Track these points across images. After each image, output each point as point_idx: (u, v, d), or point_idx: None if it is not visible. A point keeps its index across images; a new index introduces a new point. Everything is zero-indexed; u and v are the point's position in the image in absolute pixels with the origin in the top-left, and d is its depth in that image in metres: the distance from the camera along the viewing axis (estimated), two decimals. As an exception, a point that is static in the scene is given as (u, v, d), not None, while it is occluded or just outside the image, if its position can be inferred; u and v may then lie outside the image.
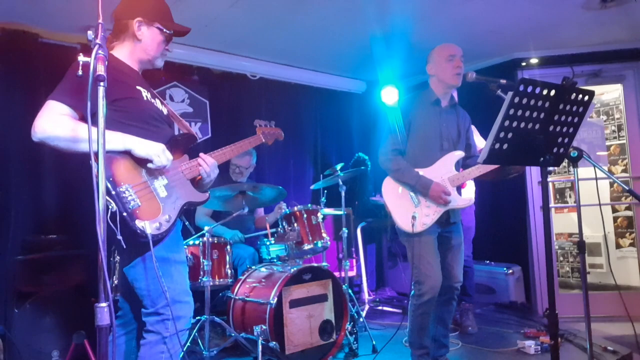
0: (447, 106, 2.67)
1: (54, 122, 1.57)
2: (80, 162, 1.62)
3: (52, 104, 1.60)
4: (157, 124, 1.83)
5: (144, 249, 1.66)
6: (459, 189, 2.61)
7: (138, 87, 1.81)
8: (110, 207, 1.54)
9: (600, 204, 2.46)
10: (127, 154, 1.67)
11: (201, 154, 1.96)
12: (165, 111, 1.95)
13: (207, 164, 1.91)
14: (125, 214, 1.56)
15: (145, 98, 1.82)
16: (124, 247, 1.56)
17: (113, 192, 1.56)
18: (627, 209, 4.46)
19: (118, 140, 1.65)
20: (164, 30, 1.87)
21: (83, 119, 1.61)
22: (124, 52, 1.85)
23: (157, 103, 1.92)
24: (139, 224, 1.59)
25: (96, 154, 1.54)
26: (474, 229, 3.88)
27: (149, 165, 1.69)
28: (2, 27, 3.38)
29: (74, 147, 1.59)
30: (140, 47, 1.85)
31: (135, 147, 1.67)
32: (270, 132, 2.40)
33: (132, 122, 1.72)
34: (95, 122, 1.58)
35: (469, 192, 3.73)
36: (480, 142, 3.21)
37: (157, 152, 1.69)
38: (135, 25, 1.81)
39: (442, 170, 2.56)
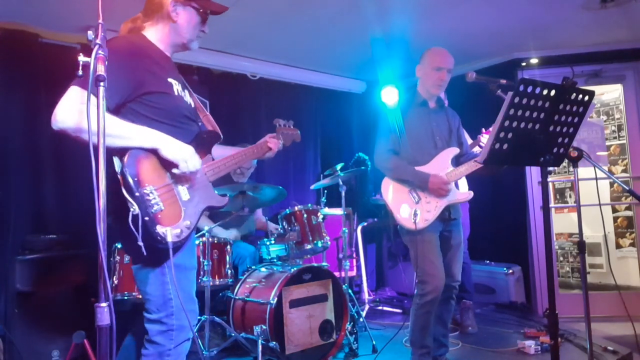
0: (435, 107, 2.72)
1: (79, 112, 1.39)
2: (87, 159, 1.54)
3: (77, 90, 1.42)
4: (186, 121, 1.71)
5: (161, 254, 1.53)
6: (456, 184, 2.63)
7: (170, 80, 1.68)
8: (132, 209, 1.42)
9: (600, 204, 2.46)
10: (154, 152, 1.54)
11: (270, 143, 2.06)
12: (193, 104, 1.82)
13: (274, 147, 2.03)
14: (147, 218, 1.44)
15: (176, 92, 1.70)
16: (145, 254, 1.43)
17: (137, 194, 1.44)
18: (627, 209, 4.46)
19: (147, 136, 1.52)
20: (201, 10, 1.75)
21: (111, 110, 1.48)
22: (157, 35, 1.72)
23: (187, 95, 1.79)
24: (160, 229, 1.47)
25: (114, 149, 1.45)
26: (468, 226, 3.89)
27: (174, 170, 1.56)
28: (2, 27, 3.38)
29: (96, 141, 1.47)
30: (175, 29, 1.72)
31: (164, 147, 1.53)
32: (289, 132, 2.27)
33: (160, 119, 1.61)
34: (119, 116, 1.48)
35: (462, 188, 3.74)
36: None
37: (185, 156, 1.56)
38: (170, 5, 1.68)
39: (438, 167, 2.58)
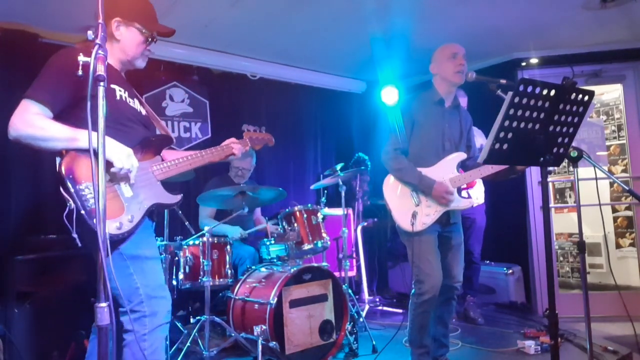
0: (451, 106, 2.67)
1: (26, 122, 1.58)
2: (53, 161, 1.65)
3: (26, 103, 1.61)
4: (130, 124, 1.80)
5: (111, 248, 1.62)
6: (459, 190, 2.61)
7: (112, 86, 1.77)
8: (68, 204, 1.53)
9: (600, 204, 2.46)
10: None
11: (233, 145, 2.13)
12: (143, 112, 1.93)
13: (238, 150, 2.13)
14: (83, 211, 1.54)
15: (118, 97, 1.79)
16: (79, 245, 1.54)
17: (72, 190, 1.55)
18: (627, 209, 4.46)
19: (81, 137, 1.62)
20: (144, 30, 1.84)
21: (57, 117, 1.63)
22: None
23: (135, 103, 1.89)
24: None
25: (56, 152, 1.59)
26: (483, 227, 3.92)
27: (112, 169, 1.65)
28: (2, 27, 3.38)
29: (44, 146, 1.59)
30: (118, 47, 1.83)
31: None
32: (258, 137, 2.38)
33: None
34: (61, 121, 1.61)
35: (478, 192, 3.75)
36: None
37: (119, 156, 1.64)
38: (113, 25, 1.79)
39: (443, 171, 2.56)
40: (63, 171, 1.57)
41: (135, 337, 1.69)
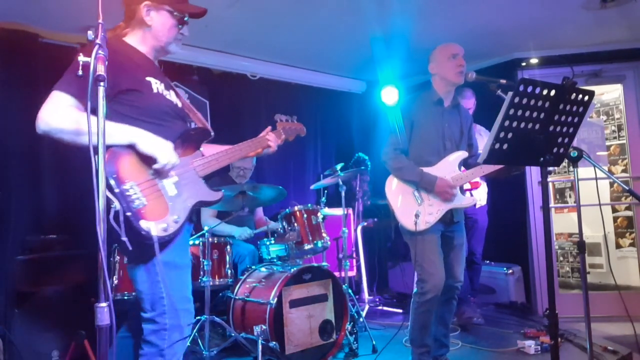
0: (450, 106, 2.67)
1: (58, 114, 1.48)
2: (84, 159, 1.52)
3: (57, 94, 1.51)
4: (168, 118, 1.73)
5: (149, 250, 1.52)
6: (461, 188, 2.61)
7: (148, 79, 1.70)
8: (113, 206, 1.42)
9: (600, 204, 2.46)
10: (132, 148, 1.56)
11: (268, 136, 2.02)
12: (179, 104, 1.84)
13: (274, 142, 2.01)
14: (129, 213, 1.45)
15: (155, 90, 1.71)
16: (130, 248, 1.44)
17: (116, 190, 1.45)
18: (627, 209, 4.46)
19: (122, 133, 1.54)
20: (175, 12, 1.76)
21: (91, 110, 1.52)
22: (135, 39, 1.75)
23: (171, 95, 1.81)
24: (144, 224, 1.47)
25: (96, 148, 1.45)
26: (485, 228, 3.92)
27: (154, 166, 1.57)
28: (2, 27, 3.38)
29: (78, 140, 1.50)
30: (150, 33, 1.74)
31: (140, 141, 1.55)
32: (291, 127, 2.24)
33: (138, 116, 1.62)
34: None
35: (481, 193, 3.75)
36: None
37: (162, 150, 1.57)
38: (143, 10, 1.71)
39: (445, 170, 2.56)
40: (106, 170, 1.45)
41: (152, 351, 1.60)
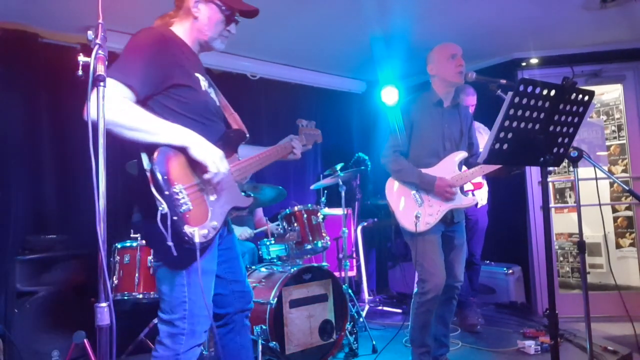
0: (449, 106, 2.67)
1: (112, 105, 1.36)
2: (132, 154, 1.49)
3: (112, 84, 1.39)
4: (213, 118, 1.68)
5: (187, 255, 1.47)
6: (462, 188, 2.61)
7: (197, 75, 1.66)
8: (160, 208, 1.38)
9: (600, 204, 2.46)
10: (182, 150, 1.49)
11: (294, 142, 2.00)
12: (218, 102, 1.79)
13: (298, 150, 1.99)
14: (175, 217, 1.40)
15: (203, 88, 1.67)
16: (175, 254, 1.40)
17: (166, 192, 1.40)
18: (627, 209, 4.46)
19: (175, 133, 1.47)
20: (223, 7, 1.70)
21: (139, 100, 1.47)
22: (182, 31, 1.69)
23: (213, 93, 1.76)
24: (187, 229, 1.42)
25: (141, 145, 1.42)
26: (485, 229, 3.92)
27: (205, 176, 1.51)
28: (2, 27, 3.38)
29: (128, 135, 1.42)
30: (196, 25, 1.68)
31: (193, 147, 1.49)
32: (311, 133, 2.19)
33: (187, 114, 1.57)
34: (145, 108, 1.44)
35: (482, 194, 3.75)
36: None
37: (214, 158, 1.51)
38: (191, 1, 1.66)
39: (445, 170, 2.56)
40: (157, 170, 1.41)
41: (167, 354, 1.56)
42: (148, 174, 1.43)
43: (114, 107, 1.37)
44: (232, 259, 1.83)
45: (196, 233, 1.44)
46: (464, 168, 2.62)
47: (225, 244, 1.80)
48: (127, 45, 1.52)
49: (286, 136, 2.12)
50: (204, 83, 1.69)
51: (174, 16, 1.72)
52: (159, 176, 1.40)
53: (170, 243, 1.38)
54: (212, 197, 1.57)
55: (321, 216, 3.39)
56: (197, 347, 1.62)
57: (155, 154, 1.43)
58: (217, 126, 1.70)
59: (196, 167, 1.53)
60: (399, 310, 4.38)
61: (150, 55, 1.49)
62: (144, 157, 1.45)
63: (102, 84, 1.28)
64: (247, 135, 1.83)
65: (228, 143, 1.69)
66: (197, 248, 1.43)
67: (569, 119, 1.75)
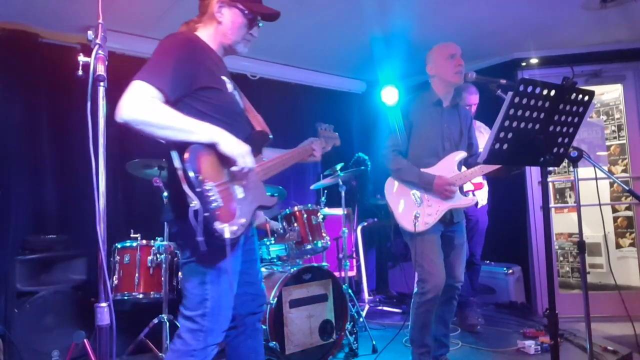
0: (449, 106, 2.67)
1: (143, 105, 1.42)
2: (163, 153, 1.55)
3: (142, 85, 1.44)
4: (239, 119, 1.73)
5: (216, 251, 1.51)
6: (462, 189, 2.61)
7: (223, 77, 1.70)
8: (192, 205, 1.42)
9: (600, 204, 2.46)
10: (212, 147, 1.53)
11: (314, 145, 2.05)
12: (242, 105, 1.84)
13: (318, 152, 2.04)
14: (207, 214, 1.44)
15: (229, 90, 1.72)
16: (204, 249, 1.44)
17: (198, 189, 1.44)
18: (627, 209, 4.46)
19: (205, 130, 1.51)
20: (246, 12, 1.73)
21: (168, 102, 1.50)
22: (207, 35, 1.73)
23: (237, 96, 1.81)
24: (218, 226, 1.46)
25: (171, 143, 1.48)
26: (485, 229, 3.92)
27: (233, 168, 1.56)
28: (2, 27, 3.38)
29: (158, 133, 1.46)
30: (220, 29, 1.72)
31: (222, 142, 1.53)
32: (330, 136, 2.23)
33: (214, 114, 1.60)
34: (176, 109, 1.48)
35: (482, 194, 3.75)
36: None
37: (243, 153, 1.56)
38: (215, 5, 1.70)
39: (444, 170, 2.56)
40: (190, 169, 1.44)
41: (185, 348, 1.58)
42: (180, 172, 1.47)
43: (145, 107, 1.42)
44: (251, 261, 1.86)
45: (226, 229, 1.48)
46: (464, 168, 2.62)
47: (248, 244, 1.84)
48: (156, 49, 1.56)
49: (286, 136, 2.13)
50: (229, 85, 1.73)
51: (198, 21, 1.76)
52: (191, 174, 1.44)
53: (200, 238, 1.42)
54: (240, 195, 1.62)
55: (321, 216, 3.39)
56: (214, 347, 1.63)
57: (187, 154, 1.46)
58: (242, 127, 1.74)
59: (225, 164, 1.58)
60: (399, 310, 4.39)
61: (178, 59, 1.53)
62: (175, 156, 1.50)
63: (102, 84, 1.29)
64: (271, 137, 1.87)
65: (253, 144, 1.71)
66: (227, 244, 1.47)
67: (569, 119, 1.75)
